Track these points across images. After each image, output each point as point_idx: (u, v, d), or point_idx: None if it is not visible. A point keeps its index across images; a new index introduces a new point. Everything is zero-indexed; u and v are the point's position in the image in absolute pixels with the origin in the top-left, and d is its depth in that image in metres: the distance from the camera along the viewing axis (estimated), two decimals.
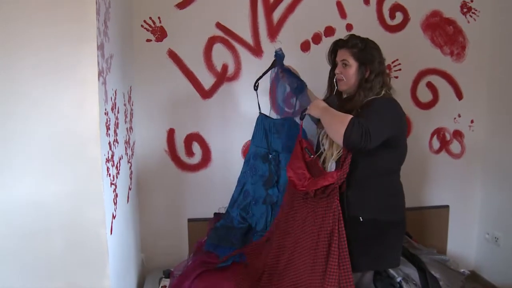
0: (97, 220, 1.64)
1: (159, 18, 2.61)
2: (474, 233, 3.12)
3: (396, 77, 2.80)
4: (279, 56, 2.31)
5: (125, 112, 2.25)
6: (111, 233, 1.75)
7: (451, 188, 3.05)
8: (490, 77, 2.95)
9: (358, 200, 1.92)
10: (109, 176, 1.78)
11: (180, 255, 2.71)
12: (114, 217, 1.84)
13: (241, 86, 2.70)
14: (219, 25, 2.66)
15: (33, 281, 1.61)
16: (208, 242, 2.43)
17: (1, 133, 1.53)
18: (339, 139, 1.78)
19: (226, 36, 2.68)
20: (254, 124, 2.50)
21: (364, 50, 1.95)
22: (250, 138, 2.53)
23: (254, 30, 2.70)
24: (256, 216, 2.45)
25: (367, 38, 2.01)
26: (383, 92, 1.96)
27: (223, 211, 2.59)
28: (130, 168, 2.39)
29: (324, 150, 2.00)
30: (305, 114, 2.05)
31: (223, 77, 2.71)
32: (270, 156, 2.41)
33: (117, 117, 1.99)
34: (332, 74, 2.09)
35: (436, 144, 3.01)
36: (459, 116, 3.00)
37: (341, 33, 2.70)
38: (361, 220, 1.91)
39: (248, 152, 2.51)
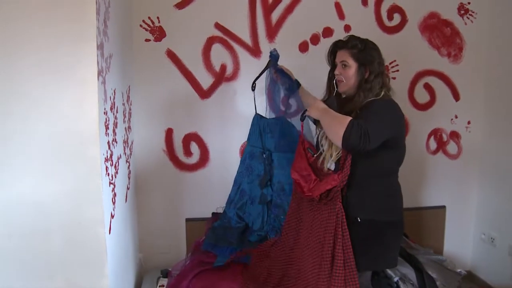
0: (96, 219, 1.64)
1: (158, 18, 2.61)
2: (470, 234, 3.14)
3: (394, 78, 2.81)
4: (273, 57, 2.32)
5: (123, 111, 2.25)
6: (109, 233, 1.76)
7: (448, 189, 3.07)
8: (487, 79, 2.97)
9: (357, 200, 1.93)
10: (108, 175, 1.79)
11: (178, 255, 2.71)
12: (112, 216, 1.84)
13: (240, 86, 2.71)
14: (218, 26, 2.67)
15: (33, 280, 1.61)
16: (206, 241, 2.44)
17: (1, 132, 1.53)
18: (338, 141, 1.78)
19: (224, 36, 2.68)
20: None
21: (363, 51, 1.95)
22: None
23: (252, 31, 2.71)
24: (253, 216, 2.46)
25: (367, 39, 2.01)
26: (382, 93, 1.96)
27: (221, 211, 2.59)
28: (128, 167, 2.39)
29: (323, 151, 2.00)
30: (306, 116, 2.05)
31: (221, 77, 2.72)
32: (264, 155, 2.42)
33: (116, 116, 1.99)
34: (331, 75, 2.08)
35: (433, 144, 3.02)
36: (456, 117, 3.01)
37: (339, 34, 2.72)
38: (359, 220, 1.92)
39: (244, 152, 2.52)
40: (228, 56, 2.71)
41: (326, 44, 2.70)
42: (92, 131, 1.59)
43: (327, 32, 2.78)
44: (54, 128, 1.55)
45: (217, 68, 2.71)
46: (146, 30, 2.61)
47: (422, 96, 2.95)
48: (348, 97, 2.01)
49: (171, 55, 2.66)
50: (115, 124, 1.98)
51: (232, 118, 2.75)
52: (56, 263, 1.62)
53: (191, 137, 2.76)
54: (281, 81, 2.33)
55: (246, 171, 2.48)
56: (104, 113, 1.72)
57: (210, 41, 2.68)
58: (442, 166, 3.04)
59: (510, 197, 2.78)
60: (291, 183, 2.35)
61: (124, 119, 2.26)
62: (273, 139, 2.40)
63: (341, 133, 1.75)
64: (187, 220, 2.80)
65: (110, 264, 1.71)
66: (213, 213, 2.67)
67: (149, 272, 2.66)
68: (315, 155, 2.04)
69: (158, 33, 2.63)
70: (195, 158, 2.78)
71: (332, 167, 1.99)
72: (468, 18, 2.92)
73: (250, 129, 2.48)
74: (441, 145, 3.03)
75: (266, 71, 2.37)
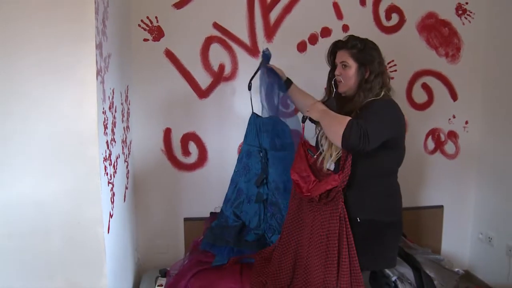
0: (95, 219, 1.64)
1: (156, 17, 2.61)
2: (468, 233, 3.14)
3: (392, 78, 2.78)
4: (265, 56, 2.32)
5: (122, 111, 2.25)
6: (108, 232, 1.76)
7: (446, 189, 3.07)
8: (485, 79, 2.98)
9: (356, 200, 1.92)
10: (107, 175, 1.79)
11: (177, 254, 2.72)
12: (111, 216, 1.85)
13: (238, 86, 2.71)
14: (216, 25, 2.67)
15: (32, 280, 1.61)
16: (204, 241, 2.44)
17: (1, 132, 1.53)
18: (337, 141, 1.78)
19: (223, 36, 2.69)
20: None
21: (363, 51, 1.95)
22: None
23: (251, 30, 2.71)
24: (250, 214, 2.46)
25: (366, 39, 2.00)
26: (382, 93, 1.95)
27: (219, 210, 2.59)
28: (127, 167, 2.39)
29: (323, 151, 2.00)
30: (307, 117, 2.05)
31: (220, 77, 2.72)
32: (261, 154, 2.42)
33: (114, 116, 1.99)
34: (331, 75, 2.08)
35: (431, 144, 3.03)
36: (454, 117, 3.02)
37: (337, 34, 2.72)
38: (359, 221, 1.92)
39: (241, 151, 2.52)
40: (226, 56, 2.71)
41: (324, 44, 2.72)
42: (91, 131, 1.59)
43: (325, 32, 2.78)
44: (53, 128, 1.56)
45: (216, 67, 2.71)
46: (145, 29, 2.61)
47: (420, 96, 2.96)
48: (348, 97, 2.01)
49: (170, 54, 2.66)
50: (114, 124, 1.98)
51: (231, 118, 2.75)
52: (55, 263, 1.63)
53: (190, 137, 2.76)
54: (271, 80, 2.33)
55: (243, 170, 2.48)
56: (103, 112, 1.72)
57: (209, 40, 2.68)
58: (440, 166, 3.05)
59: (507, 196, 2.79)
60: (285, 181, 2.36)
61: (122, 118, 2.26)
62: (268, 138, 2.41)
63: (341, 133, 1.75)
64: (185, 219, 2.80)
65: (109, 263, 1.71)
66: (211, 213, 2.67)
67: (147, 271, 2.66)
68: (315, 156, 2.04)
69: (157, 33, 2.63)
70: (193, 157, 2.78)
71: (332, 168, 1.99)
72: (466, 18, 2.93)
73: (247, 128, 2.48)
74: (439, 145, 3.04)
75: (260, 72, 2.37)
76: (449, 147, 3.05)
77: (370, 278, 2.15)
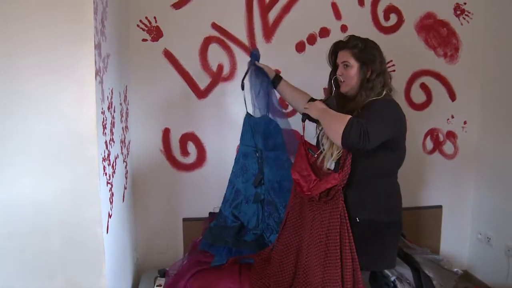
0: (94, 219, 1.64)
1: (155, 18, 2.61)
2: (467, 233, 3.15)
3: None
4: (253, 56, 2.32)
5: (121, 111, 2.25)
6: (107, 232, 1.76)
7: (444, 189, 3.08)
8: (483, 79, 2.98)
9: (356, 200, 1.92)
10: (106, 175, 1.79)
11: (175, 255, 2.71)
12: (110, 216, 1.85)
13: (237, 86, 2.69)
14: (214, 25, 2.67)
15: (32, 280, 1.61)
16: (203, 241, 2.44)
17: (0, 132, 1.53)
18: (338, 139, 1.77)
19: (221, 36, 2.69)
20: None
21: (364, 50, 1.95)
22: None
23: (249, 31, 2.71)
24: (248, 215, 2.45)
25: (367, 38, 2.00)
26: (384, 92, 1.96)
27: (217, 210, 2.59)
28: (125, 167, 2.39)
29: (324, 150, 2.00)
30: (306, 116, 2.05)
31: (218, 77, 2.72)
32: (257, 154, 2.42)
33: (113, 116, 1.99)
34: (332, 75, 2.08)
35: (429, 144, 3.03)
36: (452, 117, 3.02)
37: (336, 34, 2.73)
38: (358, 221, 1.92)
39: (238, 152, 2.52)
40: (225, 56, 2.71)
41: (322, 44, 2.73)
42: (89, 131, 1.59)
43: (324, 32, 2.78)
44: (52, 127, 1.56)
45: (214, 68, 2.71)
46: (143, 30, 2.61)
47: (418, 96, 2.96)
48: (349, 97, 2.01)
49: (168, 55, 2.66)
50: (113, 124, 1.98)
51: (229, 118, 2.75)
52: (55, 263, 1.62)
53: (188, 137, 2.76)
54: (260, 79, 2.32)
55: (241, 171, 2.47)
56: (102, 112, 1.72)
57: (207, 41, 2.68)
58: (439, 166, 3.05)
59: (506, 196, 2.79)
60: (280, 180, 2.35)
61: (121, 119, 2.26)
62: (261, 138, 2.40)
63: (341, 131, 1.75)
64: (184, 220, 2.80)
65: (108, 263, 1.71)
66: (210, 213, 2.67)
67: (146, 271, 2.66)
68: (316, 154, 2.04)
69: (155, 33, 2.63)
70: (192, 158, 2.78)
71: (332, 167, 1.99)
72: (464, 19, 2.93)
73: (242, 129, 2.48)
74: (437, 145, 3.04)
75: (250, 71, 2.36)
76: (448, 147, 3.05)
77: (369, 278, 2.15)
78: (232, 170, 2.52)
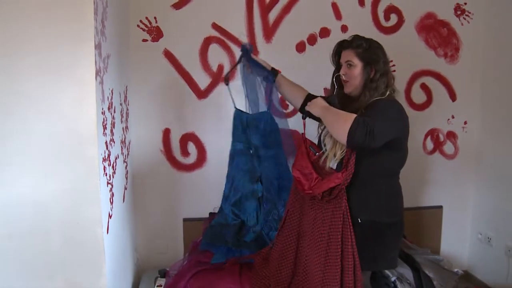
0: (94, 219, 1.64)
1: (155, 18, 2.61)
2: (467, 233, 3.14)
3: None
4: (244, 50, 2.28)
5: (121, 111, 2.25)
6: (107, 233, 1.76)
7: (445, 189, 3.08)
8: (484, 79, 2.98)
9: (358, 201, 1.92)
10: (106, 175, 1.79)
11: (176, 255, 2.72)
12: (110, 216, 1.85)
13: (237, 86, 2.70)
14: (215, 26, 2.67)
15: (32, 280, 1.61)
16: (203, 241, 2.44)
17: (0, 132, 1.53)
18: (343, 137, 1.77)
19: (222, 36, 2.69)
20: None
21: (368, 50, 1.95)
22: None
23: (250, 31, 2.71)
24: (248, 211, 2.44)
25: (371, 39, 2.00)
26: (388, 93, 1.96)
27: (218, 210, 2.59)
28: (126, 167, 2.39)
29: (326, 150, 2.00)
30: (307, 114, 2.04)
31: (218, 77, 2.72)
32: (251, 151, 2.39)
33: (113, 116, 2.00)
34: (335, 74, 2.07)
35: (430, 145, 3.03)
36: (453, 117, 3.02)
37: (336, 34, 2.73)
38: (360, 221, 1.92)
39: (231, 149, 2.47)
40: (225, 56, 2.71)
41: (323, 44, 2.74)
42: (90, 131, 1.59)
43: (324, 32, 2.78)
44: (52, 128, 1.56)
45: (214, 68, 2.71)
46: (144, 30, 2.61)
47: (418, 96, 2.96)
48: (352, 96, 2.01)
49: (169, 55, 2.66)
50: (113, 124, 1.98)
51: (229, 118, 2.72)
52: (55, 263, 1.63)
53: (189, 137, 2.76)
54: (256, 73, 2.30)
55: (236, 168, 2.45)
56: (102, 113, 1.72)
57: (207, 41, 2.68)
58: (439, 166, 3.05)
59: (506, 197, 2.79)
60: (278, 178, 2.34)
61: (121, 119, 2.27)
62: (257, 134, 2.35)
63: (347, 130, 1.74)
64: (185, 220, 2.80)
65: (108, 264, 1.71)
66: (210, 213, 2.66)
67: (146, 272, 2.66)
68: (317, 154, 2.04)
69: (156, 33, 2.63)
70: (192, 158, 2.78)
71: (335, 166, 1.99)
72: (465, 19, 2.93)
73: (232, 125, 2.44)
74: (438, 145, 3.04)
75: (240, 67, 2.35)
76: (448, 147, 3.05)
77: (370, 278, 2.15)
78: (229, 167, 2.49)
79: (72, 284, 1.64)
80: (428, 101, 2.98)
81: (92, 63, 1.56)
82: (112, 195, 1.92)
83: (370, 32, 2.72)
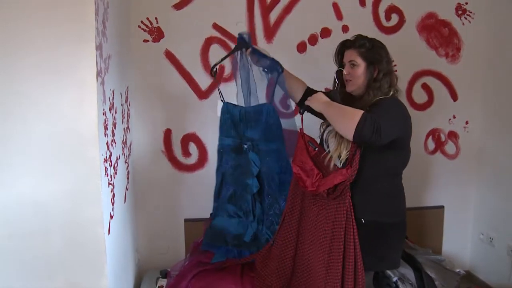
0: (95, 220, 1.64)
1: (156, 18, 2.61)
2: (469, 234, 3.14)
3: None
4: (242, 39, 2.21)
5: (122, 112, 2.25)
6: (108, 233, 1.76)
7: (446, 189, 3.07)
8: (485, 79, 2.97)
9: (361, 201, 1.91)
10: (107, 176, 1.79)
11: (177, 255, 2.71)
12: (111, 217, 1.85)
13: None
14: (216, 26, 2.67)
15: (32, 280, 1.61)
16: (204, 242, 2.44)
17: (1, 132, 1.53)
18: (349, 133, 1.77)
19: (223, 37, 2.68)
20: None
21: (371, 50, 1.95)
22: None
23: (251, 31, 2.70)
24: (243, 207, 2.40)
25: (374, 38, 2.01)
26: (391, 92, 1.96)
27: None
28: (127, 168, 2.39)
29: (330, 150, 1.99)
30: (306, 108, 2.03)
31: (219, 78, 2.72)
32: (245, 146, 2.32)
33: (114, 117, 1.99)
34: (338, 73, 2.07)
35: (431, 145, 3.03)
36: (454, 117, 3.01)
37: (337, 35, 2.73)
38: (363, 221, 1.92)
39: (218, 145, 2.41)
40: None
41: (324, 44, 2.73)
42: (91, 132, 1.59)
43: (325, 32, 2.78)
44: (53, 128, 1.56)
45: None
46: (145, 30, 2.61)
47: (420, 96, 2.96)
48: (355, 96, 2.00)
49: (170, 55, 2.66)
50: (114, 125, 1.98)
51: None
52: (56, 264, 1.63)
53: (190, 138, 2.76)
54: (261, 63, 2.22)
55: (226, 164, 2.41)
56: (103, 113, 1.72)
57: (208, 41, 2.68)
58: (441, 166, 3.05)
59: (508, 196, 2.79)
60: (279, 172, 2.30)
61: (122, 119, 2.27)
62: (258, 127, 2.30)
63: (354, 125, 1.74)
64: (186, 220, 2.80)
65: (109, 264, 1.71)
66: (211, 214, 2.66)
67: (148, 272, 2.66)
68: (317, 149, 2.04)
69: (157, 34, 2.63)
70: (193, 158, 2.78)
71: (339, 164, 1.98)
72: (466, 19, 2.93)
73: (220, 120, 2.37)
74: (439, 145, 3.04)
75: (237, 56, 2.28)
76: (450, 147, 3.05)
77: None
78: (217, 163, 2.44)
79: (73, 284, 1.64)
80: (430, 101, 2.98)
81: (93, 64, 1.56)
82: (113, 195, 1.92)
83: (371, 32, 2.72)
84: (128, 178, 2.41)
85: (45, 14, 1.50)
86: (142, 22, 2.60)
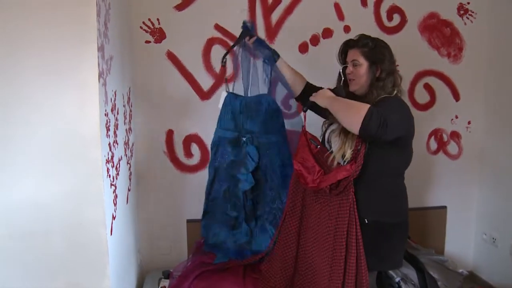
0: (98, 220, 1.64)
1: (158, 19, 2.62)
2: (471, 234, 3.13)
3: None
4: (246, 28, 2.22)
5: (124, 113, 2.25)
6: (111, 234, 1.76)
7: (449, 189, 3.06)
8: (487, 78, 2.97)
9: (364, 201, 1.91)
10: (109, 177, 1.79)
11: (179, 256, 2.72)
12: (114, 217, 1.85)
13: (239, 87, 2.70)
14: (217, 27, 2.67)
15: (35, 282, 1.62)
16: (206, 242, 2.44)
17: (3, 134, 1.53)
18: (356, 126, 1.76)
19: (224, 37, 2.68)
20: None
21: (374, 49, 1.96)
22: None
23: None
24: (237, 205, 2.37)
25: (378, 38, 2.02)
26: (395, 92, 1.96)
27: None
28: (129, 169, 2.39)
29: (333, 150, 1.98)
30: (309, 106, 2.03)
31: (221, 78, 2.72)
32: (244, 138, 2.30)
33: (116, 118, 2.00)
34: (343, 70, 2.07)
35: (433, 145, 3.02)
36: (456, 117, 3.01)
37: (339, 35, 2.73)
38: (367, 222, 1.91)
39: (214, 137, 2.41)
40: (228, 58, 2.70)
41: (326, 45, 2.73)
42: (93, 133, 1.60)
43: (327, 33, 2.78)
44: (55, 129, 1.56)
45: (217, 69, 2.71)
46: (146, 31, 2.62)
47: (422, 96, 2.95)
48: (359, 96, 2.00)
49: (171, 56, 2.66)
50: (116, 126, 1.98)
51: None
52: (58, 264, 1.63)
53: (192, 138, 2.76)
54: (260, 52, 2.24)
55: (221, 158, 2.37)
56: (105, 114, 1.73)
57: (210, 42, 2.68)
58: (443, 166, 3.04)
59: (511, 197, 2.78)
60: (282, 165, 2.30)
61: (124, 120, 2.27)
62: (257, 119, 2.27)
63: (360, 119, 1.74)
64: (188, 221, 2.79)
65: (111, 265, 1.72)
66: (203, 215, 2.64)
67: (150, 273, 2.66)
68: (319, 147, 2.03)
69: (158, 35, 2.63)
70: (195, 159, 2.78)
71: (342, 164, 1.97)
72: (468, 18, 2.92)
73: (220, 113, 2.37)
74: (441, 145, 3.03)
75: (239, 48, 2.30)
76: (452, 147, 3.04)
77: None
78: (211, 157, 2.43)
79: (75, 285, 1.64)
80: (432, 101, 2.97)
81: (95, 65, 1.56)
82: (116, 196, 1.92)
83: (372, 32, 2.69)
84: (130, 179, 2.41)
85: (46, 16, 1.50)
86: (144, 23, 2.60)
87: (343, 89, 1.99)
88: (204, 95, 2.73)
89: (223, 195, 2.39)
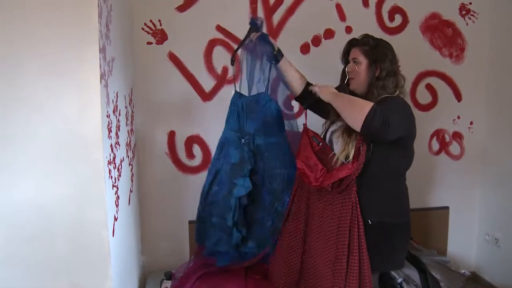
0: (99, 222, 1.64)
1: (159, 21, 2.62)
2: (474, 234, 3.13)
3: None
4: (254, 24, 2.16)
5: (126, 114, 2.26)
6: (113, 235, 1.76)
7: (451, 190, 3.06)
8: (489, 79, 2.97)
9: (367, 202, 1.91)
10: (111, 178, 1.79)
11: (182, 257, 2.71)
12: (116, 219, 1.85)
13: (241, 88, 2.70)
14: (219, 28, 2.67)
15: (36, 283, 1.61)
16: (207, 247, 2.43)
17: (4, 135, 1.53)
18: (358, 123, 1.76)
19: (226, 38, 2.69)
20: None
21: (375, 48, 1.96)
22: None
23: None
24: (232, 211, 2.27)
25: (381, 39, 2.03)
26: (397, 93, 1.96)
27: None
28: (131, 170, 2.39)
29: (335, 152, 1.98)
30: (310, 102, 2.03)
31: (223, 79, 2.72)
32: (243, 140, 2.23)
33: (118, 119, 2.00)
34: (346, 71, 2.07)
35: (435, 145, 3.02)
36: (458, 117, 3.01)
37: (340, 36, 2.73)
38: (370, 223, 1.91)
39: (221, 137, 2.32)
40: (229, 58, 2.70)
41: (327, 45, 2.73)
42: (95, 134, 1.59)
43: (328, 33, 2.78)
44: (57, 131, 1.56)
45: (219, 70, 2.71)
46: (148, 33, 2.62)
47: (424, 97, 2.95)
48: (360, 95, 2.00)
49: (173, 57, 2.66)
50: (118, 127, 1.98)
51: None
52: (59, 266, 1.62)
53: (194, 140, 2.76)
54: (262, 50, 2.18)
55: (224, 159, 2.30)
56: (107, 116, 1.73)
57: (212, 43, 2.68)
58: (445, 167, 3.04)
59: None
60: (282, 167, 2.24)
61: (126, 122, 2.27)
62: (258, 119, 2.20)
63: (363, 116, 1.73)
64: (190, 222, 2.79)
65: (114, 266, 1.71)
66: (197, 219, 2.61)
67: (152, 274, 2.66)
68: (321, 144, 2.03)
69: (160, 36, 2.63)
70: (197, 160, 2.78)
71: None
72: (470, 19, 2.92)
73: (228, 111, 2.30)
74: (443, 146, 3.03)
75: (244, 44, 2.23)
76: (454, 148, 3.04)
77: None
78: (214, 158, 2.36)
79: (78, 286, 1.64)
80: (434, 102, 2.97)
81: (97, 67, 1.56)
82: (118, 198, 1.92)
83: (374, 32, 2.68)
84: (132, 180, 2.41)
85: (47, 17, 1.50)
86: (145, 24, 2.61)
87: (346, 87, 1.99)
88: (206, 96, 2.73)
89: (222, 199, 2.31)
